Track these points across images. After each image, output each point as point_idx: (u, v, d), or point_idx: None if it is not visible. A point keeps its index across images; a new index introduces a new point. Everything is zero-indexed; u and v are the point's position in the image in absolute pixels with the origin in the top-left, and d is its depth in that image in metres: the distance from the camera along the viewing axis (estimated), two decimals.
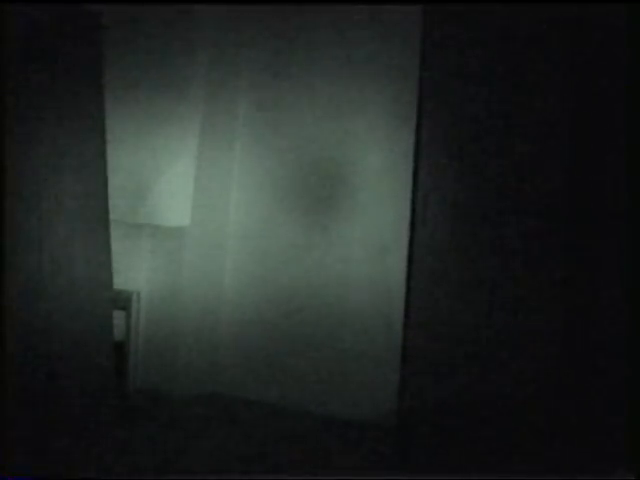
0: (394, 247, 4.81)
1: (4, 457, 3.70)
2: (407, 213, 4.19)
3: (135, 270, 5.40)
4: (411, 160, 4.16)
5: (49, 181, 4.40)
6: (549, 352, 4.04)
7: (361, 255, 4.99)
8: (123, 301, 5.19)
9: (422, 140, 4.08)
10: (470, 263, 4.11)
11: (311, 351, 5.07)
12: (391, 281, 4.83)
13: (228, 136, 5.43)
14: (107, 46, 4.71)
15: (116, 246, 4.75)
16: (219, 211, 5.44)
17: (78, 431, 4.29)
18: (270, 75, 5.34)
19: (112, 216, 4.70)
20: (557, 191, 3.98)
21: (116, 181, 4.81)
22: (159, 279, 5.40)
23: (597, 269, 4.00)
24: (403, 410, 4.10)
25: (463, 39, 4.04)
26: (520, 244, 4.08)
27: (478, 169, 4.08)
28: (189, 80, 5.32)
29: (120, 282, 4.97)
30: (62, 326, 4.41)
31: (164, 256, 5.39)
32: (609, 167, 3.92)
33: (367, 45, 4.96)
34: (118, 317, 5.03)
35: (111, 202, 4.66)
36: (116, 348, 4.79)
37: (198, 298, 5.35)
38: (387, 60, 4.93)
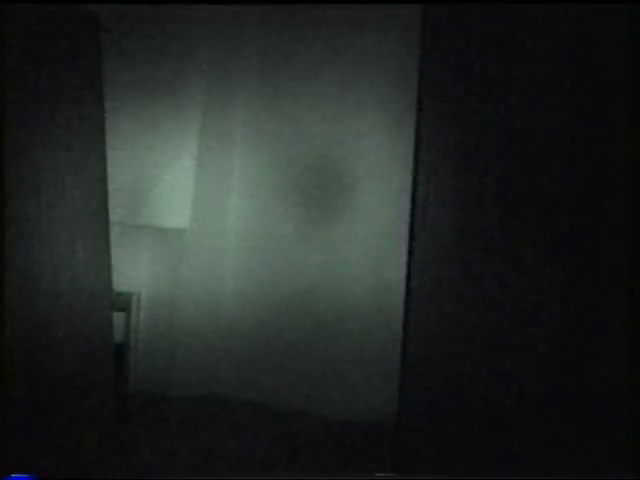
0: (394, 249, 4.81)
1: (4, 457, 3.70)
2: (407, 215, 4.19)
3: (135, 272, 5.40)
4: (411, 161, 4.16)
5: (48, 183, 4.40)
6: (549, 353, 4.04)
7: (361, 257, 4.99)
8: (123, 303, 5.20)
9: (422, 141, 4.07)
10: (470, 265, 4.11)
11: (311, 352, 5.07)
12: (391, 282, 4.83)
13: (228, 137, 5.44)
14: (106, 47, 4.72)
15: (116, 248, 4.75)
16: (219, 213, 5.44)
17: (78, 431, 4.30)
18: (270, 75, 5.35)
19: (112, 218, 4.70)
20: (559, 192, 3.98)
21: (116, 183, 4.81)
22: (159, 281, 5.40)
23: (599, 270, 4.00)
24: (402, 411, 4.09)
25: (463, 39, 4.04)
26: (521, 246, 4.08)
27: (478, 170, 4.08)
28: (189, 81, 5.33)
29: (120, 284, 4.98)
30: (62, 327, 4.41)
31: (164, 258, 5.40)
32: (611, 168, 3.92)
33: (367, 45, 4.97)
34: (118, 319, 5.04)
35: (111, 204, 4.66)
36: (116, 349, 4.80)
37: (198, 300, 5.36)
38: (387, 60, 4.94)
